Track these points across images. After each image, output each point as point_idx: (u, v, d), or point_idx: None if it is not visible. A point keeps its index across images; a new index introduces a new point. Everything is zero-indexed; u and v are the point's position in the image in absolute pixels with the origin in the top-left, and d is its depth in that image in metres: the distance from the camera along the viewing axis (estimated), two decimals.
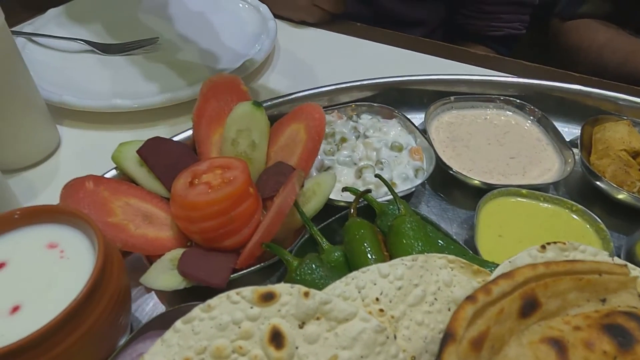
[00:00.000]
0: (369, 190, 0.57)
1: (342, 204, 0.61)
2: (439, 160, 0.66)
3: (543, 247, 0.49)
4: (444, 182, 0.70)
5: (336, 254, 0.53)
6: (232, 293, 0.38)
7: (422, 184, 0.68)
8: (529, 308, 0.32)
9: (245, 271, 0.53)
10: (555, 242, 0.49)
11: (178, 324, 0.37)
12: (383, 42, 1.04)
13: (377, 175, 0.57)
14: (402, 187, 0.63)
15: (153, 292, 0.56)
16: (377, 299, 0.41)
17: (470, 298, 0.31)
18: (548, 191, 0.69)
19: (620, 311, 0.32)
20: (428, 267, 0.44)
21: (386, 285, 0.42)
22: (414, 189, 0.63)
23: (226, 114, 0.64)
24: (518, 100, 0.77)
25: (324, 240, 0.54)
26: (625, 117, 0.73)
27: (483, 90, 0.80)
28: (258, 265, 0.53)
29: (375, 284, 0.42)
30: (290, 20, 1.08)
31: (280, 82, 0.92)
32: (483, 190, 0.63)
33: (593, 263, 0.35)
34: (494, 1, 1.21)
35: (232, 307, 0.38)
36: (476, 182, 0.65)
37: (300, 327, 0.38)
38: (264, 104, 0.72)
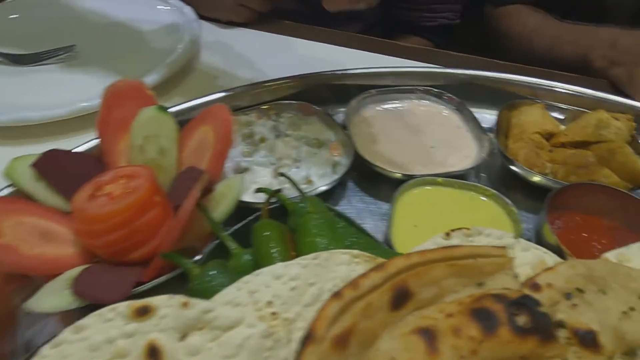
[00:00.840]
0: (279, 190, 0.55)
1: (260, 205, 0.59)
2: (357, 155, 0.66)
3: (447, 234, 0.49)
4: (365, 176, 0.69)
5: (245, 258, 0.51)
6: (104, 310, 0.36)
7: (342, 180, 0.67)
8: (401, 299, 0.31)
9: (149, 284, 0.50)
10: (459, 229, 0.49)
11: (45, 349, 0.34)
12: (314, 40, 1.03)
13: (280, 174, 0.56)
14: (319, 184, 0.62)
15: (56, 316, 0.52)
16: (269, 302, 0.40)
17: (336, 295, 0.30)
18: (468, 178, 0.70)
19: (490, 294, 0.32)
20: (326, 265, 0.42)
21: (279, 287, 0.41)
22: (329, 186, 0.62)
23: (132, 120, 0.61)
24: (436, 90, 0.77)
25: (234, 244, 0.53)
26: (539, 101, 0.75)
27: (407, 81, 0.80)
28: (163, 277, 0.51)
29: (268, 287, 0.41)
30: (217, 21, 1.05)
31: (205, 84, 0.89)
32: (403, 182, 0.63)
33: (471, 247, 0.35)
34: None
35: (106, 325, 0.35)
36: (396, 174, 0.65)
37: (182, 339, 0.36)
38: (178, 107, 0.70)
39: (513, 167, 0.65)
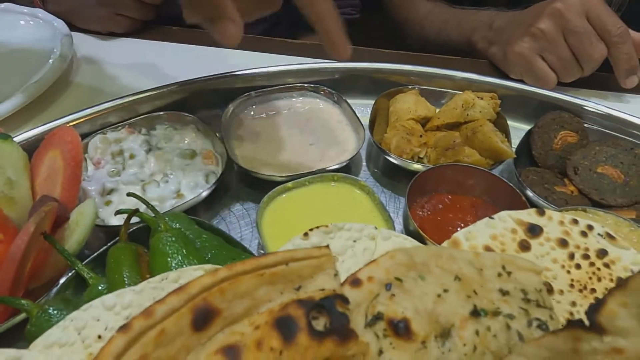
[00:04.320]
0: (136, 210, 0.52)
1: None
2: (230, 160, 0.64)
3: (306, 234, 0.48)
4: (246, 181, 0.68)
5: (101, 287, 0.48)
6: None
7: (223, 187, 0.65)
8: (203, 319, 0.30)
9: None
10: (318, 227, 0.49)
11: None
12: (204, 45, 0.99)
13: (129, 194, 0.53)
14: (190, 196, 0.60)
15: None
16: (99, 337, 0.38)
17: (124, 327, 0.29)
18: (350, 171, 0.70)
19: (296, 300, 0.31)
20: (164, 286, 0.41)
21: (112, 318, 0.38)
22: (196, 199, 0.59)
23: None
24: (312, 85, 0.77)
25: (91, 273, 0.49)
26: (412, 87, 0.76)
27: (285, 79, 0.79)
28: (10, 322, 0.47)
29: (98, 320, 0.38)
30: (97, 33, 0.99)
31: (82, 100, 0.84)
32: (278, 184, 0.62)
33: (284, 253, 0.34)
34: None
35: None
36: (274, 177, 0.63)
37: None
38: (31, 132, 0.65)
39: (386, 156, 0.66)
